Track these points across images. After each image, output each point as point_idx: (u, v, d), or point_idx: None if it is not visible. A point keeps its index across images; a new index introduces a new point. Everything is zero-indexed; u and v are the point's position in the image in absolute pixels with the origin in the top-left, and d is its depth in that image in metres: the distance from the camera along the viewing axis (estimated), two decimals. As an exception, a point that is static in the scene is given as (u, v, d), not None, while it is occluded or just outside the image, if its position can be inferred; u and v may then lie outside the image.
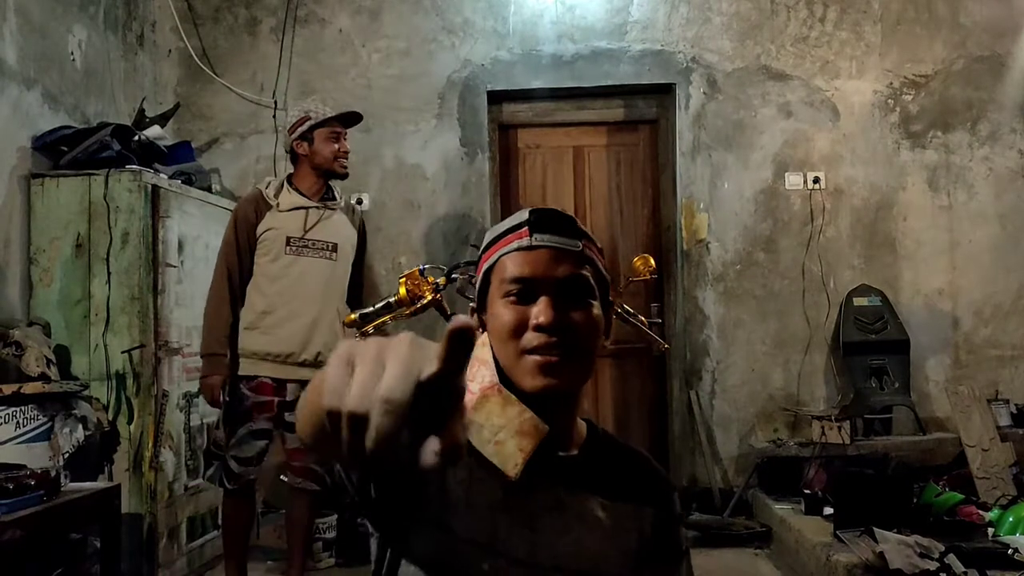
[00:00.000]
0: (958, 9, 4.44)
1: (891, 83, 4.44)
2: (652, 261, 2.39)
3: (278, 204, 3.00)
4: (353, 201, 4.38)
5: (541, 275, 1.00)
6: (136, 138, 3.54)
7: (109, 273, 3.26)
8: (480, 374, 1.02)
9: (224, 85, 4.50)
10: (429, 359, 0.50)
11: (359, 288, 3.21)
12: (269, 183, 3.09)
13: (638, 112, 4.66)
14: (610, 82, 4.50)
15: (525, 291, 1.00)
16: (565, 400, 1.03)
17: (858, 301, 4.30)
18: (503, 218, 1.07)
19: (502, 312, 1.01)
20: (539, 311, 0.98)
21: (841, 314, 4.32)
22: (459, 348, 0.49)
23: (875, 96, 4.44)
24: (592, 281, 1.02)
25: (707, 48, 4.46)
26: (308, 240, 2.98)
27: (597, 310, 1.02)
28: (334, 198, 3.10)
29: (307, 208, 3.01)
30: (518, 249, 1.01)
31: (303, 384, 2.91)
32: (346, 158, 3.06)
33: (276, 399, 2.94)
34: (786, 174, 4.43)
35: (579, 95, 4.58)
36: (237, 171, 4.46)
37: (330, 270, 3.02)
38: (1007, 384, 4.31)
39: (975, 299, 4.39)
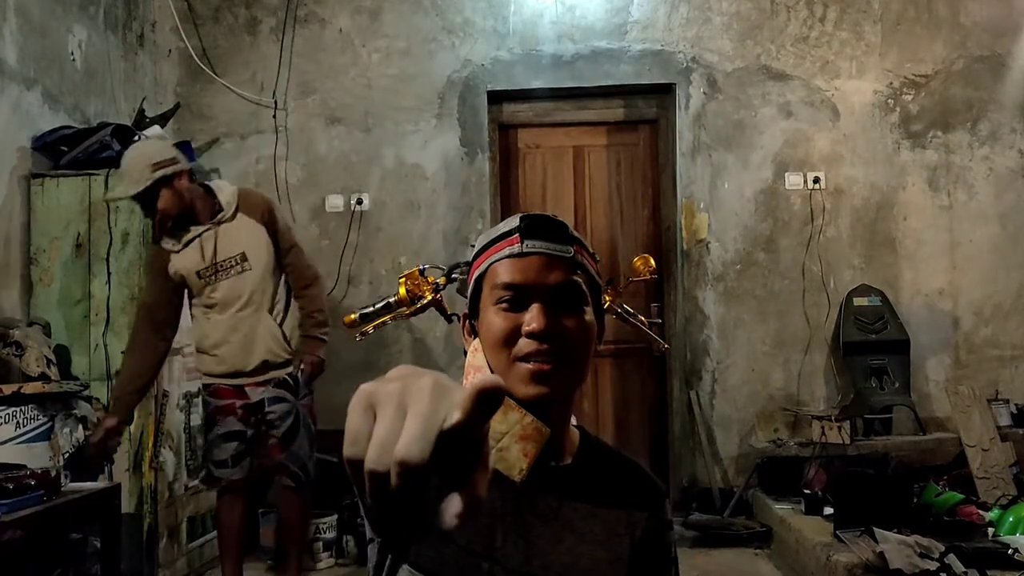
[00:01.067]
0: (958, 9, 4.44)
1: (891, 83, 4.44)
2: (652, 261, 2.39)
3: (173, 245, 2.93)
4: (353, 200, 4.41)
5: (532, 282, 0.99)
6: (136, 138, 3.53)
7: (109, 273, 3.27)
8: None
9: (224, 85, 4.50)
10: (453, 406, 0.48)
11: (298, 265, 3.04)
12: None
13: (638, 112, 4.66)
14: (610, 82, 4.50)
15: (517, 298, 0.99)
16: (558, 407, 1.02)
17: (858, 301, 4.30)
18: (503, 218, 1.08)
19: (494, 319, 1.00)
20: (531, 318, 0.97)
21: (841, 314, 4.32)
22: (484, 408, 0.48)
23: (875, 96, 4.44)
24: (584, 287, 1.01)
25: (707, 48, 4.46)
26: (215, 264, 2.91)
27: (590, 316, 1.01)
28: (221, 209, 2.95)
29: (198, 237, 2.92)
30: (509, 256, 1.01)
31: (260, 385, 2.94)
32: (159, 220, 2.87)
33: (237, 402, 2.98)
34: (786, 174, 4.42)
35: (579, 95, 4.58)
36: (237, 171, 4.46)
37: (247, 280, 2.94)
38: (1007, 384, 4.31)
39: (975, 299, 4.39)
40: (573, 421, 1.11)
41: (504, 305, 1.00)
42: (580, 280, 1.01)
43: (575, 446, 1.07)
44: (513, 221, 1.04)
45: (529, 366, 0.97)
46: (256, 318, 2.96)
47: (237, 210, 2.97)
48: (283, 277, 3.05)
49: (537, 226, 1.02)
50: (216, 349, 2.97)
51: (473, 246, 1.11)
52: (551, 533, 0.98)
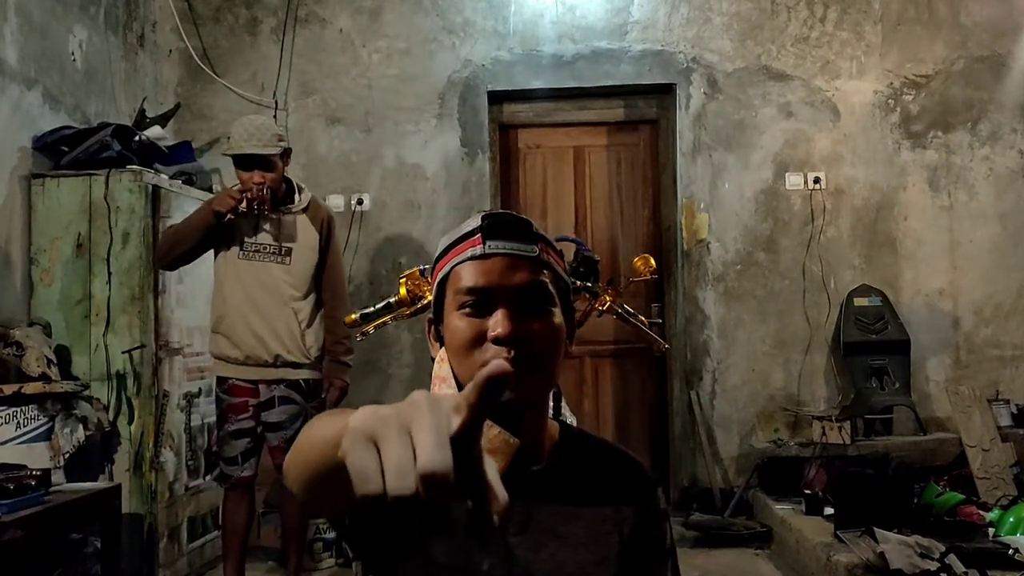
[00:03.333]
0: (958, 9, 4.43)
1: (891, 83, 4.44)
2: (652, 261, 2.38)
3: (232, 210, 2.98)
4: (353, 200, 4.42)
5: (496, 284, 0.95)
6: (137, 138, 3.54)
7: (110, 273, 3.26)
8: (441, 392, 0.99)
9: (224, 85, 4.50)
10: (450, 413, 0.48)
11: (335, 286, 3.13)
12: (233, 188, 3.08)
13: (638, 112, 4.66)
14: (610, 82, 4.49)
15: (481, 302, 0.95)
16: (530, 414, 0.98)
17: (859, 301, 4.29)
18: None
19: (458, 325, 0.96)
20: (496, 323, 0.93)
21: (841, 314, 4.31)
22: (491, 395, 0.47)
23: (875, 96, 4.43)
24: (551, 287, 0.97)
25: (707, 48, 4.46)
26: (260, 244, 2.98)
27: (558, 318, 0.98)
28: (293, 201, 3.07)
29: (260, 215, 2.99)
30: (471, 258, 0.96)
31: (271, 384, 2.96)
32: (257, 188, 2.92)
33: (250, 400, 3.00)
34: (786, 174, 4.42)
35: (579, 95, 4.58)
36: (237, 171, 4.46)
37: (283, 274, 3.00)
38: (1008, 384, 4.31)
39: (976, 299, 4.38)
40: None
41: (468, 310, 0.96)
42: (546, 280, 0.97)
43: (555, 443, 1.04)
44: (475, 221, 0.99)
45: None
46: (277, 312, 2.98)
47: (304, 210, 3.08)
48: (316, 294, 3.09)
49: (500, 225, 0.98)
50: (231, 332, 2.98)
51: None
52: (531, 541, 0.96)
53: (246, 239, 2.99)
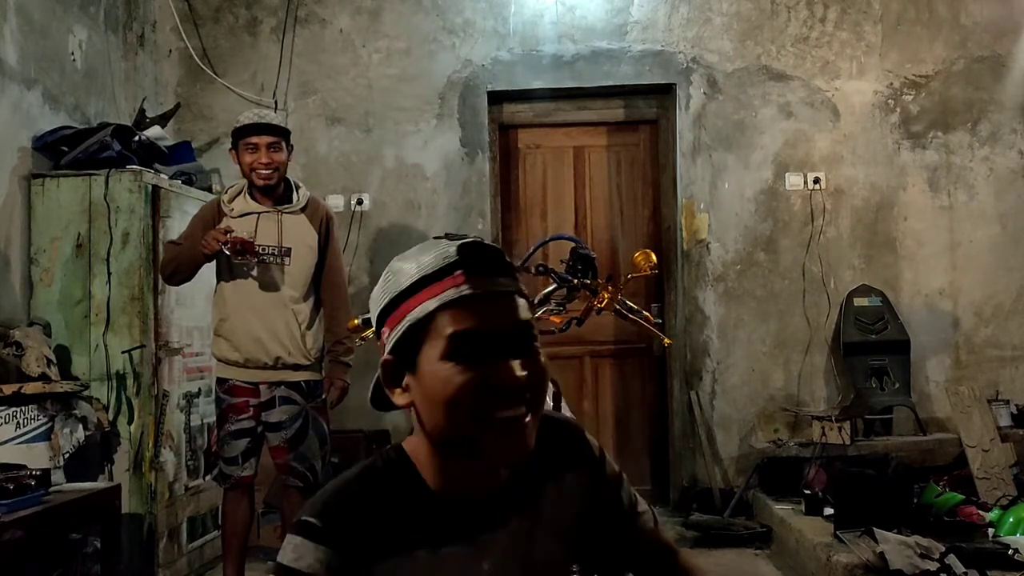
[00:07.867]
0: (958, 9, 4.43)
1: (891, 83, 4.44)
2: (653, 256, 2.35)
3: (231, 210, 3.00)
4: (353, 200, 4.42)
5: (492, 328, 0.88)
6: (136, 138, 3.54)
7: (109, 273, 3.26)
8: None
9: (224, 85, 4.50)
10: None
11: (335, 285, 3.12)
12: (230, 188, 3.11)
13: (638, 112, 4.66)
14: (610, 82, 4.49)
15: (471, 347, 0.87)
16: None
17: (858, 301, 4.30)
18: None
19: (448, 374, 0.87)
20: (506, 372, 0.87)
21: (841, 314, 4.31)
22: None
23: (875, 96, 4.43)
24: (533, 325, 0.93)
25: (707, 48, 4.46)
26: (260, 246, 2.95)
27: (544, 356, 0.92)
28: (291, 201, 3.05)
29: (258, 214, 2.99)
30: (456, 299, 0.87)
31: (272, 384, 2.95)
32: (267, 169, 2.96)
33: (250, 400, 2.98)
34: (786, 174, 4.42)
35: (579, 95, 4.58)
36: (237, 171, 4.41)
37: (282, 275, 2.98)
38: (1007, 384, 4.31)
39: (975, 299, 4.39)
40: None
41: (460, 357, 0.87)
42: (530, 318, 0.92)
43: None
44: (448, 251, 0.90)
45: (509, 422, 0.88)
46: (277, 314, 2.97)
47: (303, 210, 3.07)
48: (316, 294, 3.08)
49: (480, 259, 0.90)
50: (232, 335, 2.98)
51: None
52: (500, 548, 0.96)
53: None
